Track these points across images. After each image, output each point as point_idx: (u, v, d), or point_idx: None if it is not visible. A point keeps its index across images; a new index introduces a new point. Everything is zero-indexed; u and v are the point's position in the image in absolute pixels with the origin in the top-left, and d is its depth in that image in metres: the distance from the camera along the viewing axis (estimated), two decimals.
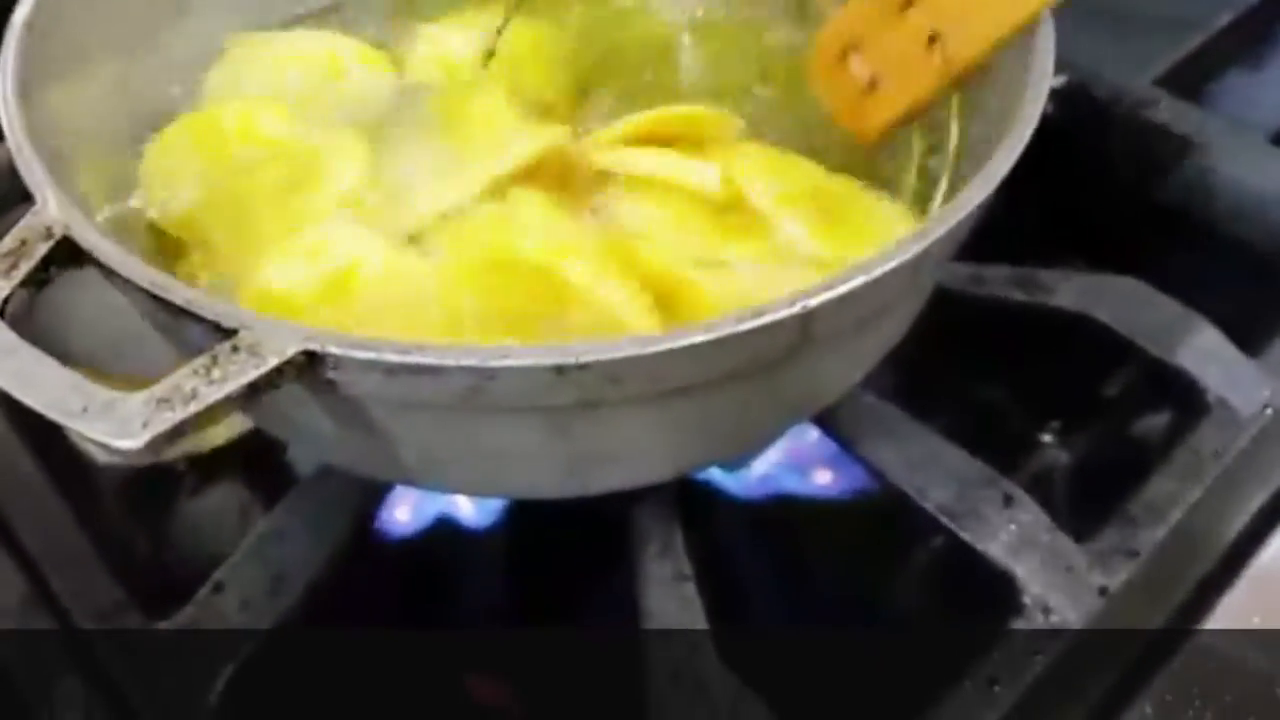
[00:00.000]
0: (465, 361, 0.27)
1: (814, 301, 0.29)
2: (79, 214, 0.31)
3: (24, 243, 0.30)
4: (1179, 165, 0.52)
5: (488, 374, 0.27)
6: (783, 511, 0.45)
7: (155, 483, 0.50)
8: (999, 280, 0.47)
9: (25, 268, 0.30)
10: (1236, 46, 0.67)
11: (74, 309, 0.56)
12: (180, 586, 0.39)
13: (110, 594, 0.38)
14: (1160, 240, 0.52)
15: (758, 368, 0.30)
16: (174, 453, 0.52)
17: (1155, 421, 0.46)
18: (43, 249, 0.30)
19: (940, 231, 0.30)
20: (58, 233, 0.30)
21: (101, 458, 0.51)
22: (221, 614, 0.37)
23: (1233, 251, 0.51)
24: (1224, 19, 0.67)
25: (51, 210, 0.31)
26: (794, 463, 0.46)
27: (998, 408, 0.50)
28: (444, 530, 0.45)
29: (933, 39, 0.36)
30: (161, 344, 0.33)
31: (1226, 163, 0.51)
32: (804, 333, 0.29)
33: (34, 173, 0.32)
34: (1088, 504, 0.43)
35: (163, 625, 0.37)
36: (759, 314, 0.28)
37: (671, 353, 0.28)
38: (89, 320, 0.52)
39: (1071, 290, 0.47)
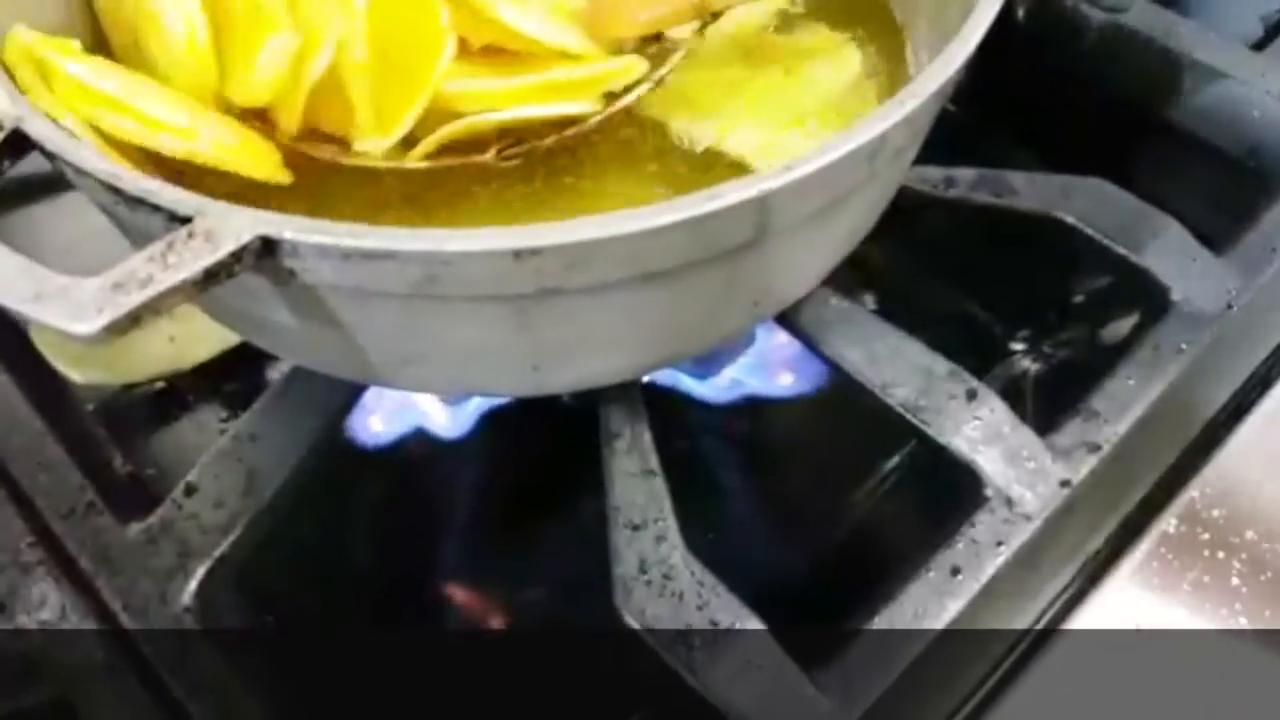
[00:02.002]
0: (419, 246, 0.27)
1: (771, 185, 0.29)
2: (29, 105, 0.30)
3: None
4: (1150, 69, 0.52)
5: (442, 259, 0.27)
6: (751, 413, 0.46)
7: (134, 403, 0.50)
8: (968, 183, 0.47)
9: None
10: None
11: (50, 234, 0.56)
12: (156, 497, 0.39)
13: (82, 496, 0.38)
14: (1131, 143, 0.52)
15: (717, 255, 0.30)
16: (154, 371, 0.52)
17: (1122, 319, 0.47)
18: None
19: (897, 116, 0.30)
20: (7, 125, 0.30)
21: (78, 378, 0.51)
22: (194, 514, 0.38)
23: (1203, 154, 0.51)
24: None
25: (1, 103, 0.30)
26: (762, 366, 0.46)
27: (966, 308, 0.50)
28: (419, 438, 0.46)
29: None
30: None
31: (1199, 66, 0.51)
32: (762, 216, 0.30)
33: None
34: (1052, 400, 0.44)
35: (135, 525, 0.37)
36: (715, 197, 0.28)
37: (629, 236, 0.28)
38: (65, 245, 0.52)
39: (1039, 191, 0.47)
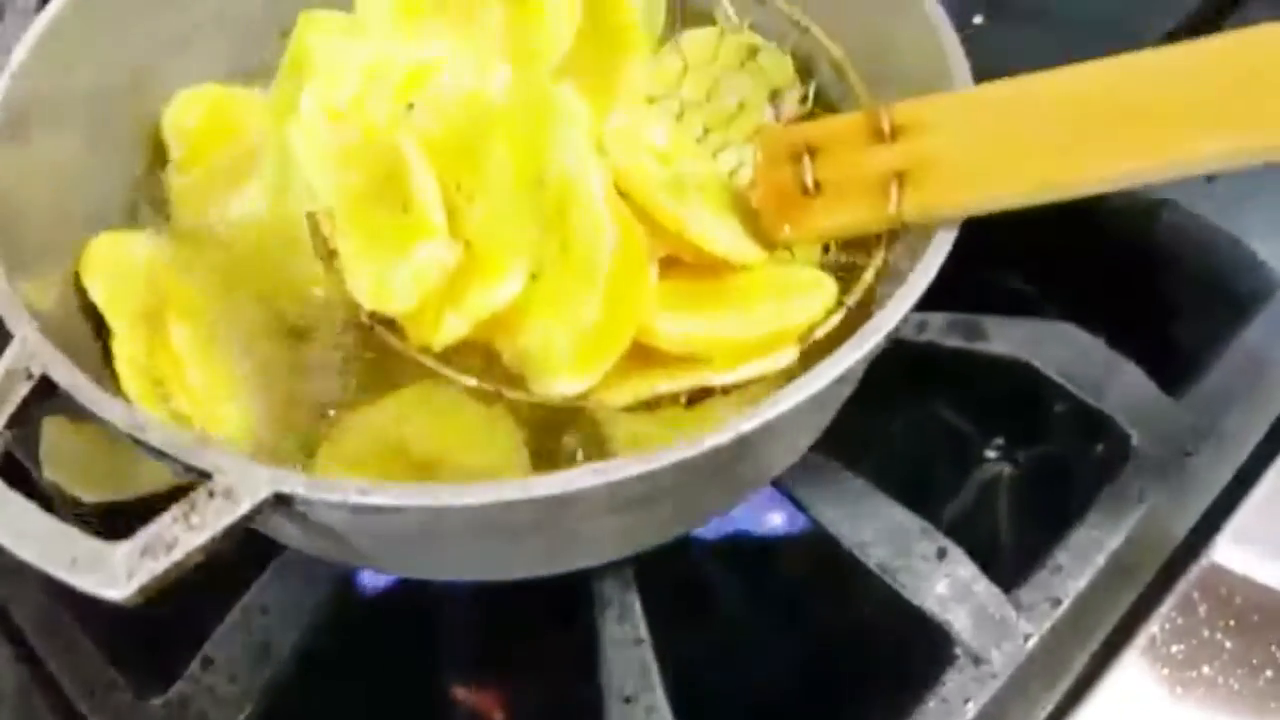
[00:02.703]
0: (420, 502, 0.29)
1: (746, 427, 0.31)
2: (57, 352, 0.32)
3: (3, 385, 0.32)
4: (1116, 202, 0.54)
5: (443, 511, 0.30)
6: (737, 550, 0.48)
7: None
8: (939, 328, 0.50)
9: (8, 411, 0.32)
10: None
11: None
12: (171, 656, 0.42)
13: (103, 674, 0.40)
14: (1098, 273, 0.54)
15: (698, 479, 0.33)
16: (161, 481, 0.54)
17: (1086, 465, 0.49)
18: (24, 390, 0.32)
19: (858, 355, 0.32)
20: (36, 372, 0.32)
21: (88, 497, 0.53)
22: (211, 688, 0.40)
23: (1167, 286, 0.53)
24: (1167, 25, 0.68)
25: (30, 348, 0.32)
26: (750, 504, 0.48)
27: (936, 452, 0.53)
28: (419, 590, 0.47)
29: (898, 178, 0.34)
30: None
31: (1160, 200, 0.53)
32: (736, 450, 0.32)
33: (11, 309, 0.33)
34: (1019, 547, 0.46)
35: (155, 701, 0.40)
36: (694, 445, 0.30)
37: (619, 482, 0.30)
38: None
39: (1008, 336, 0.49)
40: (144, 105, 0.44)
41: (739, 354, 0.32)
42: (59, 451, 0.51)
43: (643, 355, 0.32)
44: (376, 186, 0.33)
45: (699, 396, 0.32)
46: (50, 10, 0.40)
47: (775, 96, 0.41)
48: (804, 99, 0.42)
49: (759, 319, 0.32)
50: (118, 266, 0.39)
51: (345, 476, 0.33)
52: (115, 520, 0.50)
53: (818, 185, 0.35)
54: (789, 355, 0.32)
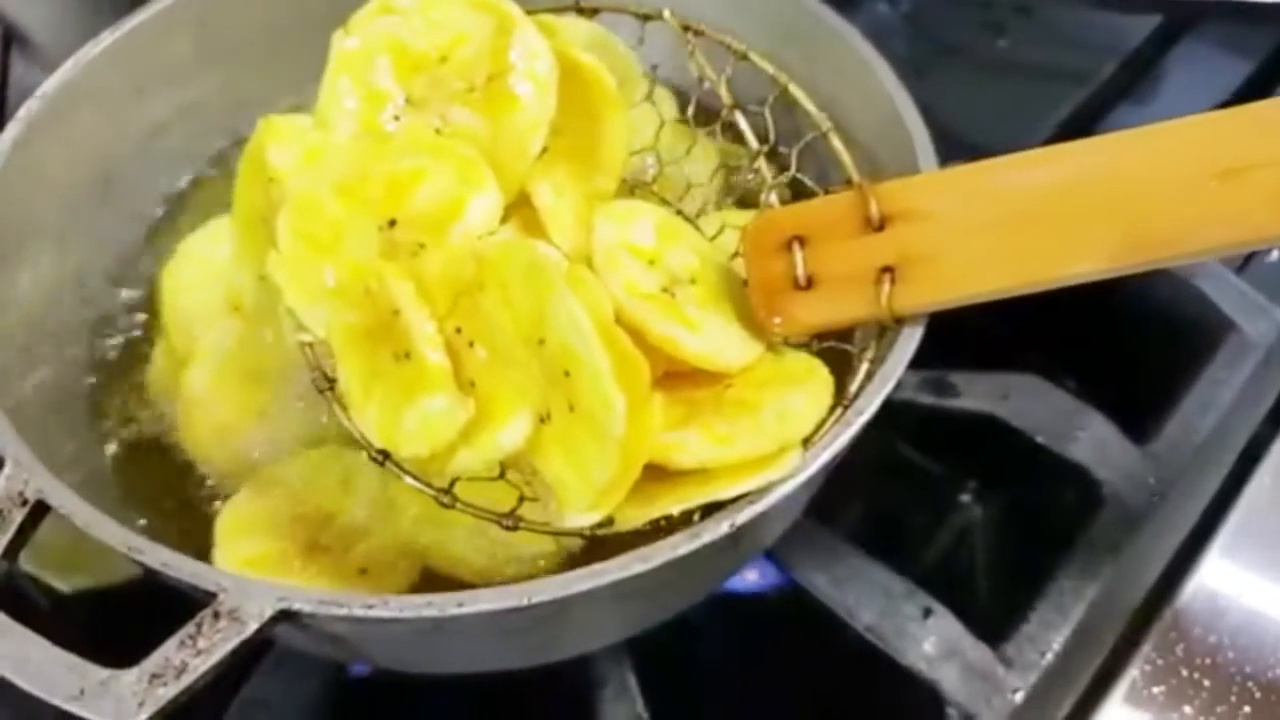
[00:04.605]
0: (424, 613, 0.30)
1: (741, 517, 0.32)
2: (50, 476, 0.33)
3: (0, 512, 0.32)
4: None
5: (444, 620, 0.30)
6: (723, 616, 0.48)
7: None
8: (911, 385, 0.51)
9: (4, 540, 0.32)
10: (1124, 91, 0.70)
11: None
12: None
13: None
14: (1062, 329, 0.56)
15: (698, 564, 0.33)
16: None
17: (1061, 512, 0.50)
18: (19, 516, 0.32)
19: (836, 448, 0.33)
20: (31, 497, 0.32)
21: (66, 587, 0.53)
22: None
23: (1125, 334, 0.55)
24: (1110, 67, 0.70)
25: (23, 473, 0.33)
26: None
27: (913, 504, 0.54)
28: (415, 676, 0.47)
29: (887, 272, 0.33)
30: None
31: None
32: (733, 537, 0.33)
33: (1, 433, 0.33)
34: (1001, 598, 0.48)
35: None
36: (694, 537, 0.31)
37: (614, 583, 0.31)
38: None
39: (977, 390, 0.51)
40: (112, 209, 0.45)
41: (747, 467, 0.31)
42: (34, 542, 0.50)
43: (654, 473, 0.31)
44: (373, 326, 0.33)
45: (710, 509, 0.31)
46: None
47: (754, 159, 0.40)
48: (786, 168, 0.40)
49: (765, 434, 0.32)
50: None
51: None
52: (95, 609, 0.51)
53: (809, 280, 0.35)
54: (793, 461, 0.32)
